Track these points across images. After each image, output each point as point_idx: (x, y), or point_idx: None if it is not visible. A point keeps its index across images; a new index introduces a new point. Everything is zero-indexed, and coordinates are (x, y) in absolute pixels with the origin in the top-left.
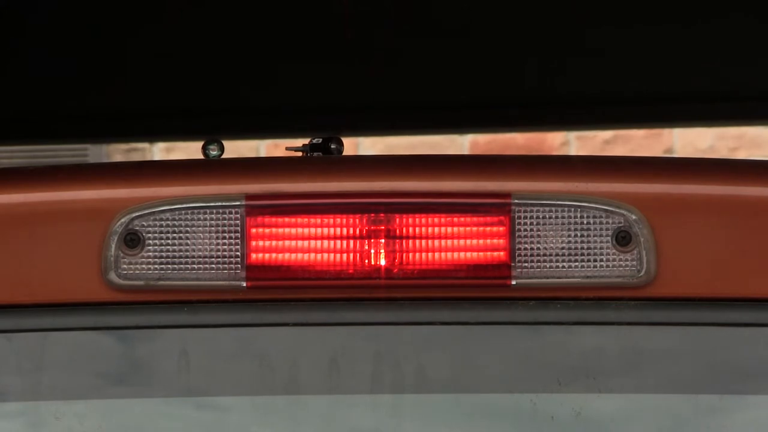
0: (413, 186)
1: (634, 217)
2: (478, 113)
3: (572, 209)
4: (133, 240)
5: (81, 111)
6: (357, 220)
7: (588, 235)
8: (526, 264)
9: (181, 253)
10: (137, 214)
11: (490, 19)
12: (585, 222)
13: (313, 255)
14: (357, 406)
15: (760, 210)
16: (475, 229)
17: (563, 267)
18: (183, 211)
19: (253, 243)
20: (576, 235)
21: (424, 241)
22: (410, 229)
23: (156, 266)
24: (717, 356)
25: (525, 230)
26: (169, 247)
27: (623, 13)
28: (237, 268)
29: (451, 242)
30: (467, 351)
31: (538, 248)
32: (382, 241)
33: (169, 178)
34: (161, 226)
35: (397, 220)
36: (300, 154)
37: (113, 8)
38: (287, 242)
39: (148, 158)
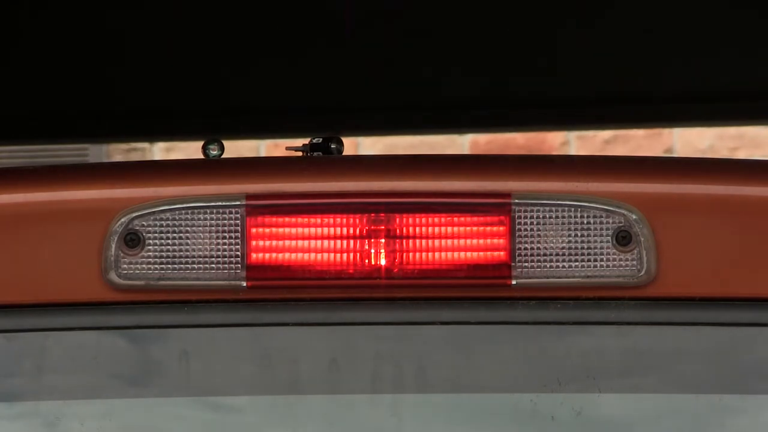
0: (413, 186)
1: (634, 216)
2: (478, 113)
3: (572, 209)
4: (133, 240)
5: (81, 111)
6: (357, 220)
7: (588, 235)
8: (526, 264)
9: (182, 253)
10: (137, 214)
11: (491, 19)
12: (585, 222)
13: (313, 255)
14: (357, 406)
15: (760, 210)
16: (475, 229)
17: (563, 267)
18: (183, 211)
19: (254, 243)
20: (576, 235)
21: (424, 241)
22: (410, 229)
23: (156, 266)
24: (717, 356)
25: (525, 230)
26: (169, 247)
27: (623, 13)
28: (237, 268)
29: (451, 242)
30: (467, 351)
31: (538, 248)
32: (382, 241)
33: (169, 178)
34: (161, 226)
35: (397, 220)
36: (300, 154)
37: (113, 8)
38: (287, 242)
39: (148, 158)
